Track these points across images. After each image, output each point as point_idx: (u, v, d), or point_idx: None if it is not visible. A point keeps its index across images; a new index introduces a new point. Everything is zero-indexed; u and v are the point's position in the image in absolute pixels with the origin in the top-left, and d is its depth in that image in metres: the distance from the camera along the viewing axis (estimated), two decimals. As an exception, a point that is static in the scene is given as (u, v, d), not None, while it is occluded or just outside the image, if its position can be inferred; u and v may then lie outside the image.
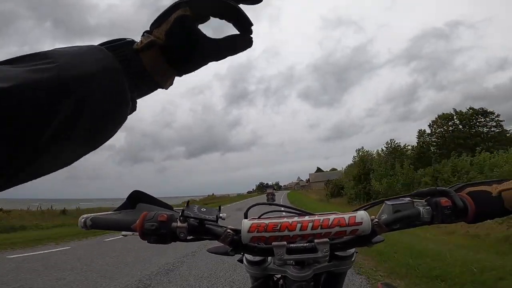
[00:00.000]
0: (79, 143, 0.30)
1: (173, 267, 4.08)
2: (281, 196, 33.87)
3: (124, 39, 0.35)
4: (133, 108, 0.35)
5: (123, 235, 0.55)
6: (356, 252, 0.62)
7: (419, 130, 31.29)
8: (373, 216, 0.51)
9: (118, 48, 0.33)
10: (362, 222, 0.47)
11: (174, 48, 0.36)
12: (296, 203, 18.72)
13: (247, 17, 0.36)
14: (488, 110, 28.59)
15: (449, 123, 29.95)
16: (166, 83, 0.38)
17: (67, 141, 0.28)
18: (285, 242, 0.50)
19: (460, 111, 30.03)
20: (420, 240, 5.23)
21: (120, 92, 0.31)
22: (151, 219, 0.47)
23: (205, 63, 0.39)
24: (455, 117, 29.93)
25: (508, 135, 26.47)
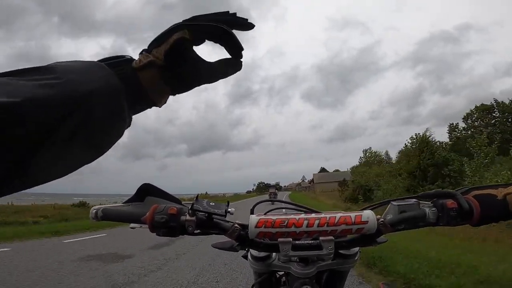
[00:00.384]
0: (75, 157, 0.31)
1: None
2: (282, 198, 32.21)
3: (123, 56, 0.36)
4: (129, 124, 0.36)
5: (131, 228, 0.56)
6: (360, 252, 0.62)
7: (450, 124, 28.37)
8: (379, 216, 0.51)
9: (117, 65, 0.34)
10: (368, 221, 0.48)
11: (172, 69, 0.37)
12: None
13: (239, 43, 0.38)
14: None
15: (489, 116, 26.19)
16: (161, 102, 0.39)
17: (65, 154, 0.29)
18: (290, 239, 0.51)
19: (502, 102, 25.90)
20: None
21: (120, 110, 0.32)
22: (161, 212, 0.48)
23: (199, 84, 0.40)
24: (495, 109, 25.98)
25: None
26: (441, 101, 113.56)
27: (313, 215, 0.50)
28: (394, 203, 0.54)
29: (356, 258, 0.61)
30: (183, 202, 0.56)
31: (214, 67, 0.40)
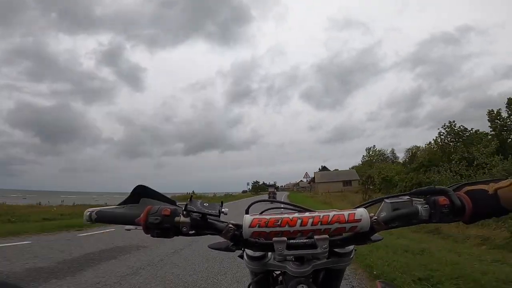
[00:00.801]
0: None
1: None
2: (281, 199, 28.15)
3: None
4: None
5: (126, 229, 0.56)
6: (355, 250, 0.62)
7: (489, 110, 23.78)
8: (372, 214, 0.52)
9: None
10: (361, 219, 0.48)
11: None
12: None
13: None
14: None
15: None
16: None
17: None
18: (285, 238, 0.51)
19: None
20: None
21: None
22: (155, 213, 0.48)
23: None
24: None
25: None
26: (439, 103, 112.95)
27: (306, 213, 0.50)
28: (387, 200, 0.54)
29: (352, 256, 0.61)
30: (177, 203, 0.57)
31: None
